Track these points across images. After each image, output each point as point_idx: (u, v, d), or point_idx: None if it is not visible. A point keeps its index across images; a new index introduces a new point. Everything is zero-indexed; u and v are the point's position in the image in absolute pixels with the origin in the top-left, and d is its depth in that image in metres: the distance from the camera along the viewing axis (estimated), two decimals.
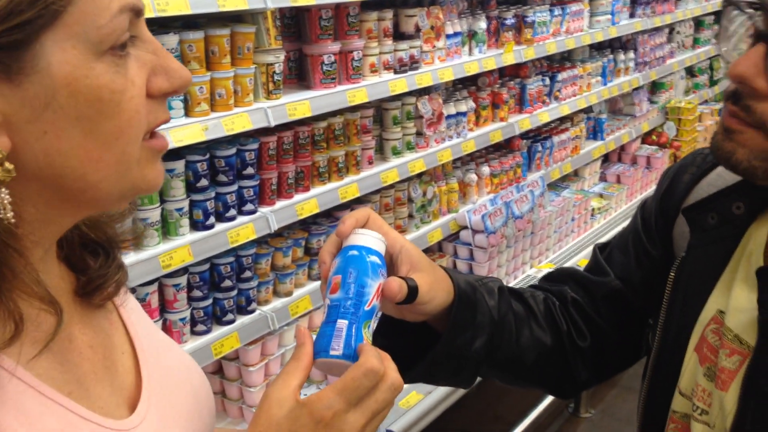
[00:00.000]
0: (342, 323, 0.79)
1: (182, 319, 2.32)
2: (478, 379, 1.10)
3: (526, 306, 1.09)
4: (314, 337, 0.80)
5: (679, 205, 1.03)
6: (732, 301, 0.92)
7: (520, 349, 1.06)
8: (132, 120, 0.65)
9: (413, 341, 1.00)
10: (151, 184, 0.71)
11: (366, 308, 0.81)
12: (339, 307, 0.80)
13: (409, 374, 0.97)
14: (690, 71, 5.39)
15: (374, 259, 0.84)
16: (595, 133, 4.40)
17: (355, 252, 0.84)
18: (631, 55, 4.49)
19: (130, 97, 0.65)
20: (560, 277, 1.17)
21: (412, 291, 0.88)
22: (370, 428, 0.74)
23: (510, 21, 3.39)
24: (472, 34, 3.24)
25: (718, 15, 5.46)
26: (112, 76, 0.63)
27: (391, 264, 0.89)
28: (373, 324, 0.82)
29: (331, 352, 0.78)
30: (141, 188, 0.71)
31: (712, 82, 5.68)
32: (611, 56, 4.34)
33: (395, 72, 2.83)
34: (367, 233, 0.86)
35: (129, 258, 2.09)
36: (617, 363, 1.17)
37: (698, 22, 5.29)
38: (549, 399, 3.60)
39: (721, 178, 1.00)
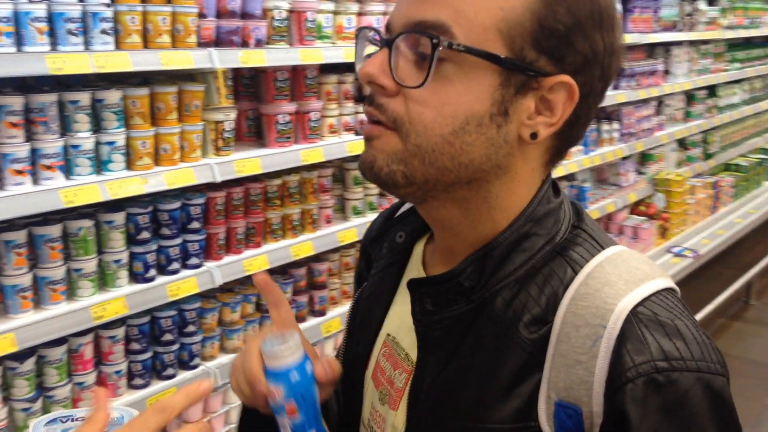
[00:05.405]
0: None
1: (118, 372, 2.30)
2: None
3: None
4: None
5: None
6: (403, 320, 0.94)
7: None
8: None
9: None
10: None
11: (319, 407, 0.91)
12: (304, 427, 0.89)
13: None
14: (682, 144, 5.39)
15: (309, 367, 0.89)
16: (578, 201, 4.38)
17: (296, 375, 0.88)
18: (616, 125, 4.50)
19: None
20: None
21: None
22: None
23: None
24: None
25: (711, 89, 5.49)
26: None
27: None
28: None
29: None
30: None
31: (707, 156, 5.66)
32: (594, 126, 4.35)
33: (356, 133, 2.86)
34: (290, 345, 0.89)
35: (60, 307, 2.10)
36: None
37: (690, 96, 5.31)
38: None
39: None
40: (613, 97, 4.34)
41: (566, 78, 0.81)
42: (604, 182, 4.79)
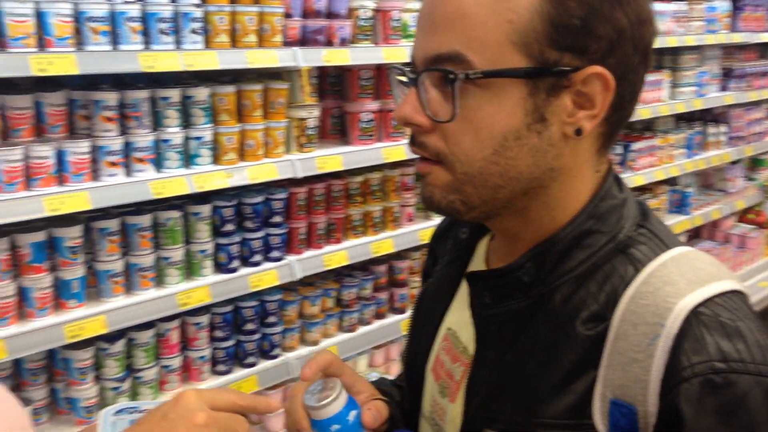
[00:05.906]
0: None
1: (202, 357, 2.40)
2: None
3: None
4: None
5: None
6: (463, 314, 0.95)
7: None
8: None
9: None
10: None
11: None
12: None
13: None
14: None
15: (353, 414, 0.92)
16: (680, 206, 4.20)
17: (337, 426, 0.90)
18: (723, 128, 4.27)
19: None
20: None
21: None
22: None
23: None
24: None
25: None
26: None
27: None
28: None
29: None
30: None
31: None
32: (699, 129, 4.15)
33: None
34: (330, 396, 0.90)
35: (149, 293, 2.22)
36: None
37: None
38: None
39: None
40: (720, 98, 4.13)
41: (595, 69, 0.78)
42: (709, 188, 4.56)
